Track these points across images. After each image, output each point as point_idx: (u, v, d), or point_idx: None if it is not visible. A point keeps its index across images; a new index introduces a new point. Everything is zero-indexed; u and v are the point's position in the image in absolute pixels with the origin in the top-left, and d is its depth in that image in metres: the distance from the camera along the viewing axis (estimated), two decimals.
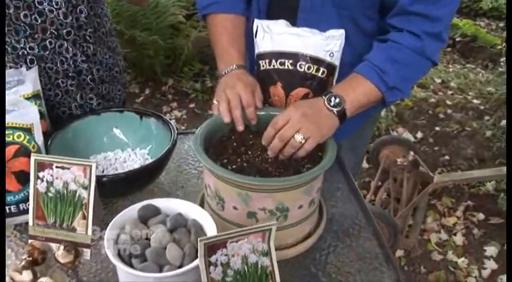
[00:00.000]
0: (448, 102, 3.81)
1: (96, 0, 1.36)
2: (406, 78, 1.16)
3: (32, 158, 0.97)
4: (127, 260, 0.86)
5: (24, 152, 1.08)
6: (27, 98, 1.19)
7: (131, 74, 3.93)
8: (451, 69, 4.44)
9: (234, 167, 1.02)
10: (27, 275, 0.92)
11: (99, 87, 1.43)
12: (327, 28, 1.16)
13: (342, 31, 1.16)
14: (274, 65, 1.18)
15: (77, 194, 0.97)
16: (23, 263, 0.94)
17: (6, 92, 1.17)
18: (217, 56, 1.25)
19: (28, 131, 1.10)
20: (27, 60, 1.29)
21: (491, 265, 2.39)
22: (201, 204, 1.12)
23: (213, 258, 0.79)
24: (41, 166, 0.97)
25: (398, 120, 3.54)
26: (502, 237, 2.53)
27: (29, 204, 1.00)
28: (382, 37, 1.16)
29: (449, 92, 4.00)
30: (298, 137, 1.00)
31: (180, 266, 0.85)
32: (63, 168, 0.97)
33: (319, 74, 1.18)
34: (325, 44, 1.16)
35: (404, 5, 1.11)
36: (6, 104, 1.11)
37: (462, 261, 2.42)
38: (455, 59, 4.71)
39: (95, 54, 1.39)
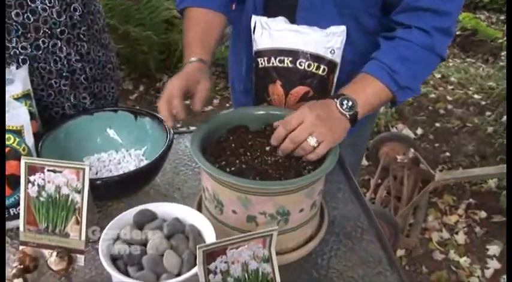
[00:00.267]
0: (449, 97, 3.80)
1: None
2: (416, 76, 1.14)
3: (23, 162, 0.95)
4: (122, 268, 0.84)
5: (14, 155, 1.06)
6: (17, 99, 1.16)
7: (125, 70, 3.90)
8: (451, 64, 4.44)
9: (232, 169, 1.00)
10: None
11: (92, 86, 1.41)
12: (327, 26, 1.14)
13: (343, 27, 1.14)
14: (273, 63, 1.17)
15: (70, 198, 0.95)
16: (14, 270, 0.92)
17: None
18: (183, 49, 1.21)
19: (18, 133, 1.08)
20: (20, 60, 1.27)
21: (494, 264, 2.39)
22: (199, 207, 1.11)
23: (212, 266, 0.77)
24: (32, 170, 0.95)
25: (397, 117, 3.54)
26: (505, 236, 2.52)
27: (19, 209, 0.98)
28: (388, 34, 1.14)
29: (450, 87, 4.00)
30: (312, 141, 0.98)
31: (178, 274, 0.83)
32: (55, 171, 0.95)
33: (320, 72, 1.16)
34: (326, 40, 1.14)
35: (410, 1, 1.09)
36: None
37: (464, 261, 2.42)
38: (455, 53, 4.70)
39: (89, 52, 1.37)
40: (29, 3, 1.21)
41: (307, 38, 1.15)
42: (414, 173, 2.70)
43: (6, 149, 1.06)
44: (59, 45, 1.29)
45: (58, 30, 1.27)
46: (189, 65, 1.12)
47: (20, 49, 1.25)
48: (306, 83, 1.17)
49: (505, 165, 2.58)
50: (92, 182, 1.00)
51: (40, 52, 1.27)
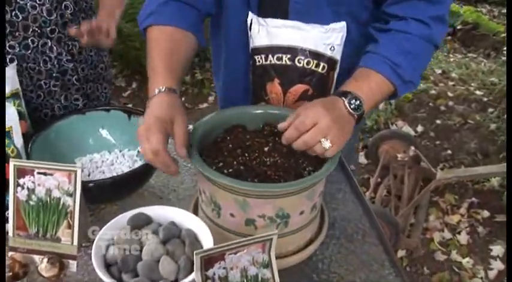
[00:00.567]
0: (450, 93, 3.80)
1: None
2: (417, 68, 1.13)
3: (11, 164, 0.94)
4: (117, 275, 0.83)
5: None
6: (5, 98, 1.15)
7: (117, 67, 3.89)
8: (452, 59, 4.44)
9: (230, 170, 0.99)
10: None
11: (84, 87, 1.40)
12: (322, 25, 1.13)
13: (344, 23, 1.14)
14: (271, 60, 1.16)
15: (61, 202, 0.94)
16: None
17: None
18: (149, 74, 1.07)
19: (6, 134, 1.07)
20: (7, 60, 1.25)
21: (497, 265, 2.39)
22: (195, 210, 1.10)
23: (210, 272, 0.76)
24: (21, 172, 0.94)
25: (397, 113, 3.54)
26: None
27: (8, 214, 0.97)
28: (383, 27, 1.12)
29: (451, 83, 4.00)
30: (326, 144, 0.95)
31: (175, 281, 0.82)
32: (45, 174, 0.94)
33: (319, 70, 1.15)
34: (326, 37, 1.14)
35: None
36: None
37: (467, 262, 2.42)
38: (456, 48, 4.71)
39: (80, 52, 1.36)
40: (18, 0, 1.20)
41: (306, 34, 1.14)
42: (415, 171, 2.70)
43: None
44: (49, 44, 1.28)
45: (48, 29, 1.26)
46: (156, 99, 0.99)
47: (7, 48, 1.24)
48: (305, 81, 1.16)
49: None
50: (84, 184, 0.99)
51: (29, 51, 1.26)
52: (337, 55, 1.15)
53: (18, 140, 1.10)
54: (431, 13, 1.09)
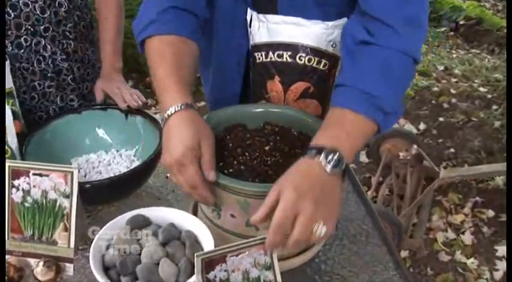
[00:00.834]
0: (453, 90, 3.81)
1: None
2: (397, 92, 0.98)
3: (6, 165, 0.94)
4: (115, 278, 0.83)
5: None
6: None
7: None
8: (454, 55, 4.45)
9: (230, 170, 0.99)
10: None
11: (80, 87, 1.40)
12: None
13: (345, 19, 1.13)
14: (271, 58, 1.16)
15: (57, 204, 0.95)
16: None
17: None
18: (157, 91, 1.01)
19: None
20: None
21: (503, 266, 2.39)
22: (195, 211, 1.10)
23: (211, 275, 0.77)
24: (16, 174, 0.94)
25: None
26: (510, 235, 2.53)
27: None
28: (350, 45, 1.00)
29: (454, 80, 4.01)
30: (322, 230, 0.82)
31: None
32: (41, 175, 0.94)
33: (321, 67, 1.15)
34: (327, 33, 1.13)
35: None
36: None
37: (472, 262, 2.43)
38: (459, 44, 4.72)
39: (76, 51, 1.35)
40: None
41: (307, 30, 1.13)
42: (417, 170, 2.70)
43: None
44: (43, 43, 1.27)
45: (42, 27, 1.25)
46: (176, 118, 0.94)
47: None
48: (306, 79, 1.16)
49: None
50: (81, 185, 0.99)
51: (22, 51, 1.26)
52: (339, 52, 1.15)
53: (12, 140, 1.10)
54: (403, 14, 0.95)
